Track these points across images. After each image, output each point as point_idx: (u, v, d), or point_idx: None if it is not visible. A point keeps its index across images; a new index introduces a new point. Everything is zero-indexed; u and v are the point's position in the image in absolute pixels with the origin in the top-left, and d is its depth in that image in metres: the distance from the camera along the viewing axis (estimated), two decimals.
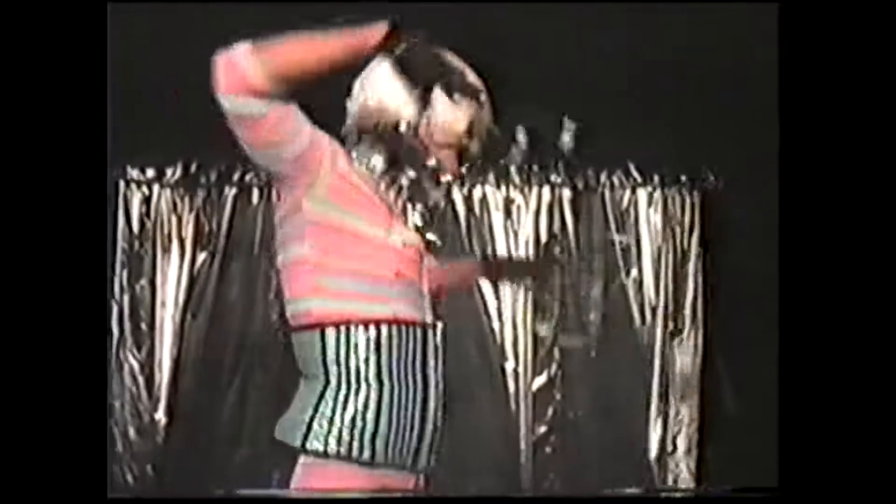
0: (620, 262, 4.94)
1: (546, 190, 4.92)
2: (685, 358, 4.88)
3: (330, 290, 2.34)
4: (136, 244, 4.85)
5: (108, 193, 4.73)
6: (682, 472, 4.84)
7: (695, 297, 4.91)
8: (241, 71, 2.19)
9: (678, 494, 4.49)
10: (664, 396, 4.87)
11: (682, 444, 4.86)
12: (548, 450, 4.89)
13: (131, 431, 4.80)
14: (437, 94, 2.47)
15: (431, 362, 2.43)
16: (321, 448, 2.32)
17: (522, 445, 4.85)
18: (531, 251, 4.88)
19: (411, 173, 2.43)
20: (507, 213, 4.92)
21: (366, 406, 2.34)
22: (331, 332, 2.35)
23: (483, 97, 2.52)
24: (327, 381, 2.36)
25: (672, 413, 4.86)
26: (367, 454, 2.33)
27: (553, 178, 4.91)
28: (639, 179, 4.92)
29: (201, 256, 4.87)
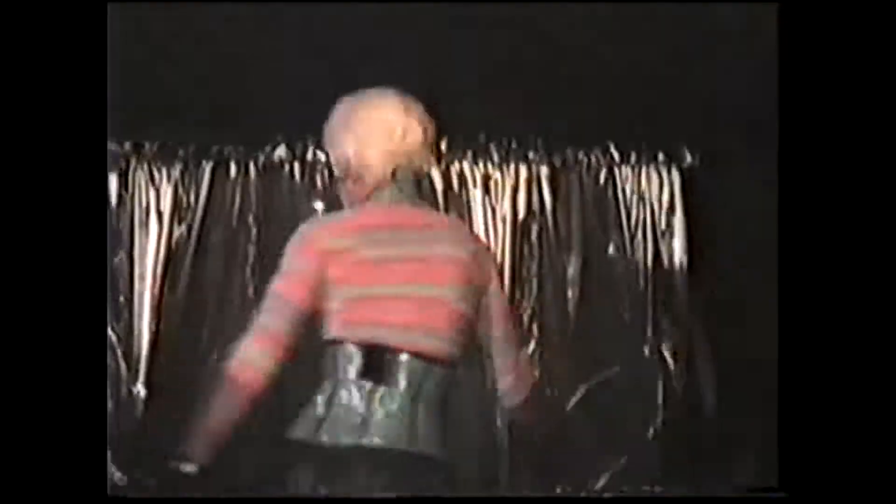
0: (599, 240, 4.96)
1: (524, 167, 4.93)
2: (664, 336, 4.91)
3: None
4: (114, 217, 4.84)
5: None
6: (659, 449, 4.87)
7: (673, 276, 4.93)
8: None
9: (678, 495, 4.53)
10: (643, 373, 4.90)
11: (660, 419, 4.88)
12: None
13: (110, 404, 4.80)
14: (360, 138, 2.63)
15: None
16: None
17: (499, 423, 4.86)
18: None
19: None
20: (486, 190, 4.93)
21: None
22: None
23: (412, 136, 2.64)
24: None
25: (652, 390, 4.89)
26: None
27: (531, 154, 4.91)
28: (617, 158, 4.93)
29: (179, 230, 4.87)
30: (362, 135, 2.60)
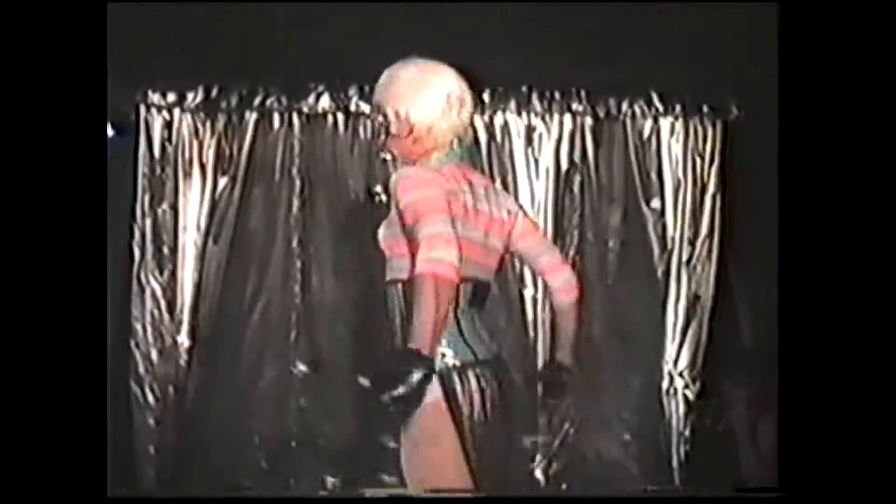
0: (640, 191, 4.93)
1: (567, 118, 4.90)
2: (701, 287, 4.89)
3: None
4: (158, 168, 4.86)
5: (129, 117, 4.74)
6: (690, 398, 4.88)
7: (712, 228, 4.91)
8: None
9: (678, 495, 4.55)
10: (678, 324, 4.90)
11: (692, 370, 4.89)
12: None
13: (154, 353, 4.85)
14: None
15: None
16: None
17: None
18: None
19: None
20: (529, 141, 4.91)
21: None
22: None
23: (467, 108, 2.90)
24: None
25: (685, 341, 4.89)
26: None
27: (575, 106, 4.88)
28: (661, 109, 4.89)
29: (222, 181, 4.88)
30: (429, 102, 2.82)
